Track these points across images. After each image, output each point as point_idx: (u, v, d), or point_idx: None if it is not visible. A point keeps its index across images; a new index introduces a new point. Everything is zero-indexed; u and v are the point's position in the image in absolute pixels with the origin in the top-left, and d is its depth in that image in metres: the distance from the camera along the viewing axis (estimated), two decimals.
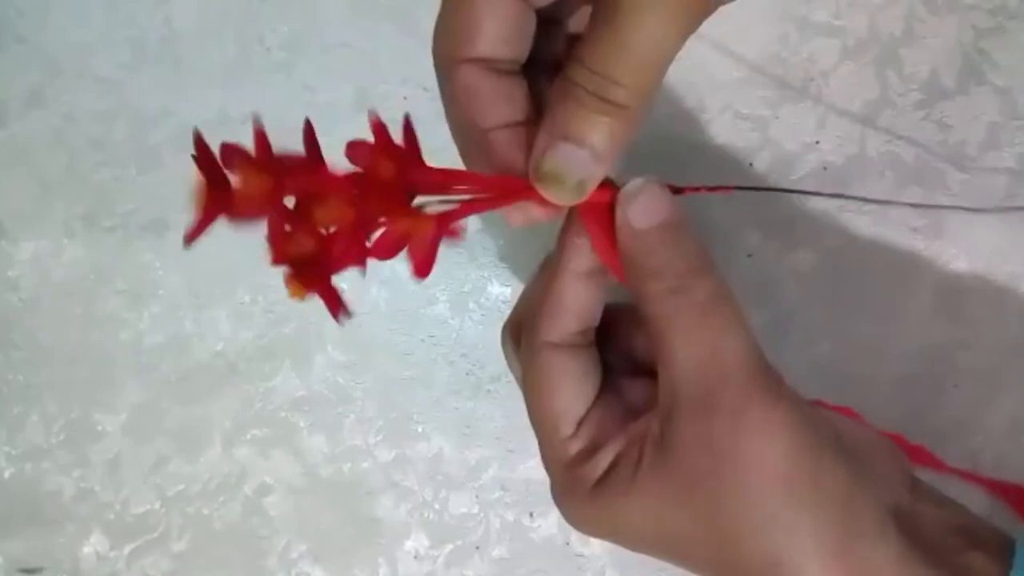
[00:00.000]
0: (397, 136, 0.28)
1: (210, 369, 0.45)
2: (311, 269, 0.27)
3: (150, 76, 0.47)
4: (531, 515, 0.44)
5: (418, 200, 0.29)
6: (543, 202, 0.29)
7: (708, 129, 0.44)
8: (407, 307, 0.45)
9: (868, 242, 0.43)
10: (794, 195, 0.43)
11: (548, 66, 0.32)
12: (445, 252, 0.44)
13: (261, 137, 0.26)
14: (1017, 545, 0.30)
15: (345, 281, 0.28)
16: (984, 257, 0.42)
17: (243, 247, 0.28)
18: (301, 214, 0.27)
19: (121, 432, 0.45)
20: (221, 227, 0.28)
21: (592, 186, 0.29)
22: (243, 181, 0.26)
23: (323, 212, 0.27)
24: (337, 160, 0.28)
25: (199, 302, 0.46)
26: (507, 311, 0.35)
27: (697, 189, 0.32)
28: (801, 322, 0.43)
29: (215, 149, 0.27)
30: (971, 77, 0.43)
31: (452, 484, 0.44)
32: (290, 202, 0.28)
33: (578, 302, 0.32)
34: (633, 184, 0.30)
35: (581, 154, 0.27)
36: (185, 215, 0.46)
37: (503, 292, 0.45)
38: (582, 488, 0.31)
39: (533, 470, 0.44)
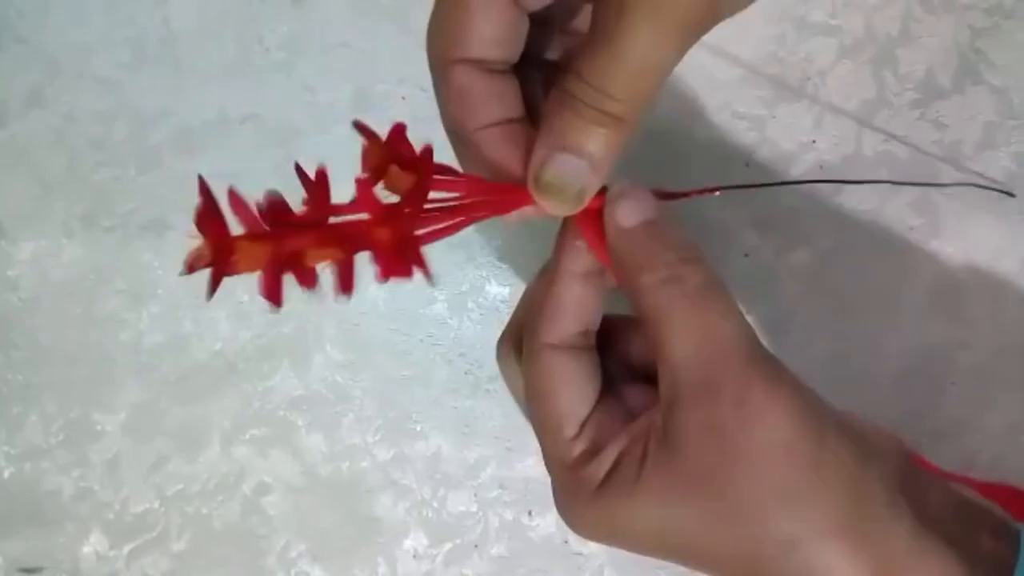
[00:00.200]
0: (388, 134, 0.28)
1: (209, 369, 0.45)
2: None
3: (150, 76, 0.47)
4: (530, 514, 0.44)
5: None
6: (539, 206, 0.30)
7: (705, 128, 0.44)
8: (406, 307, 0.45)
9: (865, 241, 0.43)
10: (791, 195, 0.43)
11: (540, 64, 0.33)
12: (444, 252, 0.44)
13: (241, 208, 0.26)
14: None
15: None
16: (981, 256, 0.42)
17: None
18: (295, 259, 0.27)
19: (120, 432, 0.46)
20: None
21: (590, 195, 0.29)
22: (239, 252, 0.26)
23: (317, 256, 0.27)
24: (337, 160, 0.28)
25: (198, 302, 0.46)
26: (506, 310, 0.35)
27: (687, 194, 0.33)
28: (798, 321, 0.43)
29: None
30: (967, 77, 0.43)
31: (451, 483, 0.44)
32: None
33: (577, 303, 0.32)
34: (618, 186, 0.30)
35: (580, 164, 0.28)
36: (185, 215, 0.46)
37: (501, 292, 0.45)
38: (585, 490, 0.30)
39: (531, 469, 0.44)
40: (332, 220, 0.27)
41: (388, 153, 0.28)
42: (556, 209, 0.29)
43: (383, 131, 0.28)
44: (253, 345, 0.45)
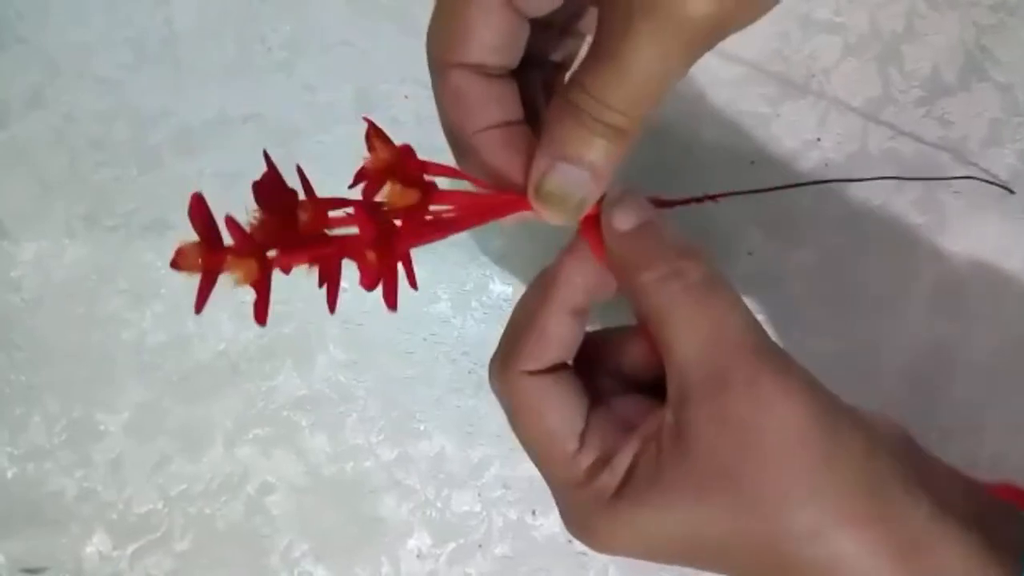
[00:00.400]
0: (394, 134, 0.28)
1: (212, 369, 0.45)
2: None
3: (150, 76, 0.47)
4: (533, 513, 0.44)
5: None
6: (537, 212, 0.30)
7: (709, 126, 0.44)
8: (408, 306, 0.45)
9: (869, 239, 0.43)
10: (795, 193, 0.43)
11: (542, 66, 0.32)
12: (447, 251, 0.44)
13: (238, 234, 0.26)
14: None
15: (347, 280, 0.28)
16: (985, 254, 0.42)
17: None
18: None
19: (123, 432, 0.46)
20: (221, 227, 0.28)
21: (590, 205, 0.29)
22: (230, 266, 0.26)
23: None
24: (338, 160, 0.27)
25: None
26: (509, 309, 0.35)
27: (684, 201, 0.33)
28: (802, 319, 0.43)
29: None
30: (972, 73, 0.43)
31: (454, 483, 0.44)
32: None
33: (562, 338, 0.31)
34: (613, 191, 0.30)
35: (581, 175, 0.28)
36: (186, 217, 0.46)
37: (505, 290, 0.45)
38: (600, 502, 0.30)
39: (535, 468, 0.44)
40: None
41: (393, 159, 0.27)
42: (556, 219, 0.29)
43: (386, 131, 0.28)
44: (256, 345, 0.45)
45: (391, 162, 0.27)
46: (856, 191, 0.43)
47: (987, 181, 0.42)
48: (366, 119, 0.27)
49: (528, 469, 0.44)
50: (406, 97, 0.45)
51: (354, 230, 0.27)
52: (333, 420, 0.45)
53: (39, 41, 0.48)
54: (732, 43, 0.44)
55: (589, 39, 0.28)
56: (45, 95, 0.47)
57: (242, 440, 0.45)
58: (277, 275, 0.27)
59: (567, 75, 0.29)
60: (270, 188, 0.27)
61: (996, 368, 0.42)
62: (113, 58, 0.47)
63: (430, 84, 0.31)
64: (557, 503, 0.32)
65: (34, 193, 0.47)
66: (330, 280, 0.27)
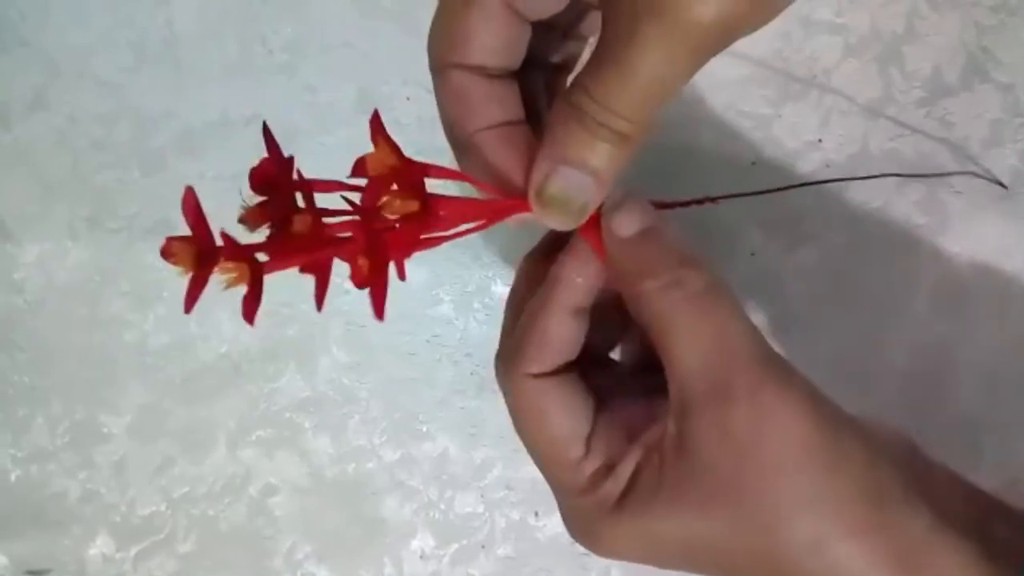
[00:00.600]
0: (395, 136, 0.28)
1: (215, 371, 0.45)
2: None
3: (151, 78, 0.47)
4: (536, 514, 0.44)
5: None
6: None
7: (710, 127, 0.44)
8: (411, 308, 0.45)
9: (871, 239, 0.43)
10: (797, 194, 0.43)
11: (544, 67, 0.32)
12: (449, 252, 0.44)
13: (229, 241, 0.26)
14: None
15: (349, 282, 0.28)
16: (987, 255, 0.42)
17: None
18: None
19: (126, 434, 0.46)
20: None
21: (592, 209, 0.29)
22: (223, 270, 0.26)
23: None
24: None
25: (203, 304, 0.45)
26: None
27: (685, 203, 0.33)
28: (804, 320, 0.43)
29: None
30: (974, 74, 0.43)
31: (457, 484, 0.44)
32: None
33: (565, 339, 0.31)
34: (614, 196, 0.30)
35: (583, 179, 0.28)
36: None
37: (507, 292, 0.45)
38: (604, 509, 0.30)
39: (537, 470, 0.44)
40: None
41: (394, 161, 0.27)
42: (557, 223, 0.29)
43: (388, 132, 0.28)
44: (259, 347, 0.45)
45: (392, 167, 0.27)
46: (857, 192, 0.43)
47: (983, 177, 0.42)
48: (374, 114, 0.27)
49: (531, 471, 0.44)
50: (408, 99, 0.45)
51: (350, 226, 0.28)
52: (336, 422, 0.45)
53: (40, 43, 0.48)
54: (733, 44, 0.44)
55: (592, 41, 0.28)
56: (47, 97, 0.47)
57: (245, 442, 0.45)
58: (280, 278, 0.28)
59: (570, 78, 0.29)
60: (269, 172, 0.27)
61: (997, 369, 0.42)
62: (114, 60, 0.47)
63: (431, 86, 0.31)
64: (560, 506, 0.32)
65: (36, 195, 0.47)
66: (319, 279, 0.27)
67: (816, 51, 0.44)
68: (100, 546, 0.45)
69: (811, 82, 0.43)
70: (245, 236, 0.27)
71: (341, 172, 0.28)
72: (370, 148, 0.28)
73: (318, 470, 0.45)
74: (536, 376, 0.31)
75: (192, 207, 0.26)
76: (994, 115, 0.42)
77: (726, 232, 0.43)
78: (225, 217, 0.27)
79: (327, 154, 0.45)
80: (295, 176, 0.27)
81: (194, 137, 0.46)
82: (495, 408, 0.44)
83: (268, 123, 0.28)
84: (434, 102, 0.31)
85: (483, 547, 0.44)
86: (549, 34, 0.31)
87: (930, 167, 0.43)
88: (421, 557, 0.44)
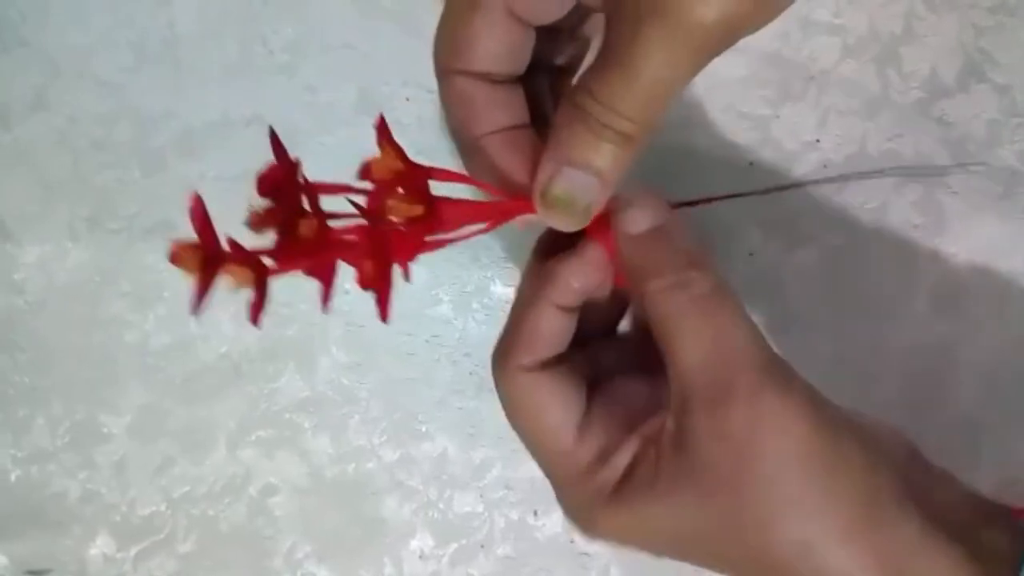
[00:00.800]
0: (396, 136, 0.28)
1: (215, 371, 0.45)
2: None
3: (152, 78, 0.47)
4: (535, 514, 0.44)
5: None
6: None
7: (709, 128, 0.44)
8: (410, 308, 0.45)
9: (869, 240, 0.43)
10: (795, 194, 0.43)
11: (548, 69, 0.32)
12: (448, 253, 0.44)
13: (235, 246, 0.26)
14: None
15: (349, 282, 0.28)
16: (985, 255, 0.42)
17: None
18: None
19: (127, 434, 0.46)
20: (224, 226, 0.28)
21: (596, 210, 0.29)
22: (229, 273, 0.26)
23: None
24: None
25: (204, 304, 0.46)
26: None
27: (695, 202, 0.33)
28: (803, 320, 0.43)
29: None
30: (971, 75, 0.43)
31: (456, 484, 0.44)
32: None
33: (555, 334, 0.32)
34: (627, 192, 0.30)
35: (588, 180, 0.28)
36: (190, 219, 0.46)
37: (506, 292, 0.45)
38: (599, 496, 0.30)
39: (537, 469, 0.44)
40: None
41: (400, 165, 0.28)
42: (561, 224, 0.29)
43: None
44: (258, 347, 0.45)
45: (397, 171, 0.27)
46: (856, 192, 0.43)
47: (978, 169, 0.42)
48: (379, 118, 0.27)
49: (530, 470, 0.45)
50: (408, 99, 0.45)
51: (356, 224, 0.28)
52: (336, 422, 0.45)
53: (41, 43, 0.48)
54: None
55: (595, 42, 0.28)
56: (47, 97, 0.47)
57: (245, 442, 0.45)
58: (280, 278, 0.28)
59: (574, 79, 0.29)
60: (276, 177, 0.27)
61: (997, 369, 0.42)
62: (115, 60, 0.47)
63: (433, 87, 0.31)
64: (556, 493, 0.33)
65: (37, 195, 0.47)
66: (324, 283, 0.27)
67: (814, 52, 0.44)
68: (100, 546, 0.45)
69: (809, 83, 0.44)
70: (248, 236, 0.27)
71: (341, 172, 0.28)
72: (370, 148, 0.28)
73: (318, 470, 0.45)
74: (527, 369, 0.31)
75: (199, 213, 0.26)
76: (991, 116, 0.43)
77: (725, 232, 0.43)
78: (226, 217, 0.27)
79: (327, 154, 0.45)
80: (301, 180, 0.27)
81: (194, 137, 0.46)
82: (494, 408, 0.44)
83: (269, 123, 0.29)
84: (434, 102, 0.31)
85: (482, 547, 0.44)
86: (553, 37, 0.32)
87: (928, 168, 0.43)
88: (421, 557, 0.44)
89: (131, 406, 0.46)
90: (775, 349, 0.33)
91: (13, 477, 0.46)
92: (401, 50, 0.46)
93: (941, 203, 0.42)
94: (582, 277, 0.31)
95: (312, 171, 0.28)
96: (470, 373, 0.45)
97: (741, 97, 0.44)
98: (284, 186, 0.27)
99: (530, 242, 0.45)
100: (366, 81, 0.46)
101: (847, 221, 0.43)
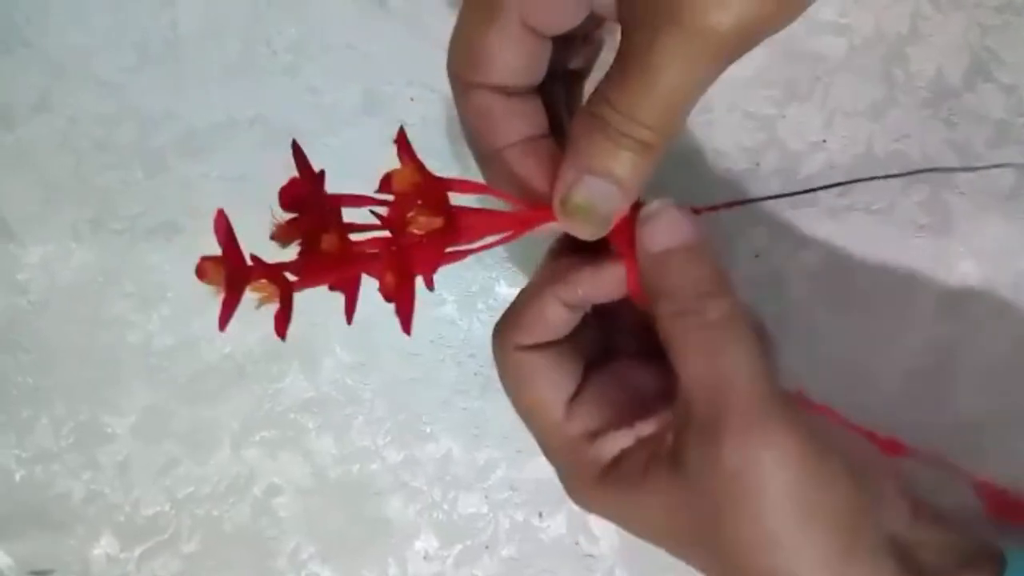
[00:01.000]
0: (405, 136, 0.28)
1: (219, 371, 0.45)
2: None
3: (154, 79, 0.47)
4: (540, 515, 0.44)
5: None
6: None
7: (714, 129, 0.44)
8: (415, 308, 0.45)
9: (875, 240, 0.43)
10: (801, 195, 0.43)
11: (563, 75, 0.32)
12: None
13: (258, 262, 0.26)
14: (1008, 558, 0.31)
15: None
16: (991, 256, 0.42)
17: (250, 249, 0.28)
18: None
19: (130, 434, 0.46)
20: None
21: (617, 218, 0.29)
22: (255, 288, 0.26)
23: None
24: (344, 162, 0.28)
25: (207, 305, 0.46)
26: None
27: (714, 208, 0.33)
28: (808, 321, 0.43)
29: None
30: (978, 75, 0.43)
31: (461, 484, 0.44)
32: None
33: (558, 322, 0.32)
34: (651, 206, 0.30)
35: (609, 188, 0.28)
36: (192, 218, 0.46)
37: (511, 292, 0.45)
38: (591, 472, 0.31)
39: (542, 470, 0.43)
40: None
41: (419, 178, 0.28)
42: (582, 232, 0.29)
43: (392, 133, 0.28)
44: (262, 348, 0.45)
45: (417, 183, 0.28)
46: (862, 193, 0.43)
47: (980, 167, 0.42)
48: (400, 132, 0.28)
49: (535, 471, 0.45)
50: (412, 99, 0.45)
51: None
52: (340, 422, 0.45)
53: (43, 44, 0.48)
54: None
55: (610, 45, 0.28)
56: (50, 98, 0.47)
57: (249, 442, 0.45)
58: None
59: (591, 86, 0.29)
60: (299, 191, 0.27)
61: (1002, 370, 0.42)
62: (117, 61, 0.47)
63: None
64: (547, 459, 0.34)
65: (40, 196, 0.47)
66: (348, 295, 0.27)
67: (820, 52, 0.44)
68: (104, 546, 0.45)
69: (815, 83, 0.43)
70: (252, 242, 0.27)
71: (346, 174, 0.28)
72: (373, 148, 0.28)
73: (322, 471, 0.45)
74: (523, 348, 0.32)
75: (223, 229, 0.26)
76: (998, 115, 0.42)
77: (731, 233, 0.43)
78: (229, 218, 0.27)
79: (331, 155, 0.45)
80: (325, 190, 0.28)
81: (197, 138, 0.46)
82: (499, 409, 0.44)
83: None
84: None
85: (487, 548, 0.44)
86: (567, 44, 0.31)
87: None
88: (425, 558, 0.44)
89: (135, 406, 0.46)
90: (779, 349, 0.33)
91: (17, 477, 0.46)
92: (405, 50, 0.46)
93: (948, 203, 0.42)
94: (592, 289, 0.31)
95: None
96: (475, 374, 0.45)
97: (747, 97, 0.44)
98: (309, 199, 0.27)
99: (536, 243, 0.45)
100: (370, 81, 0.46)
101: (853, 222, 0.43)
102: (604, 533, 0.43)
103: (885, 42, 0.43)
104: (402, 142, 0.28)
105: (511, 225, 0.30)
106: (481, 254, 0.44)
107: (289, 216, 0.28)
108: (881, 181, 0.42)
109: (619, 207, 0.29)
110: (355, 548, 0.44)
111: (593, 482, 0.31)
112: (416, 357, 0.45)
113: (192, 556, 0.45)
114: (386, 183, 0.28)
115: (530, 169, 0.30)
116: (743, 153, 0.43)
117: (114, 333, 0.46)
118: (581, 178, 0.28)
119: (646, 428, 0.31)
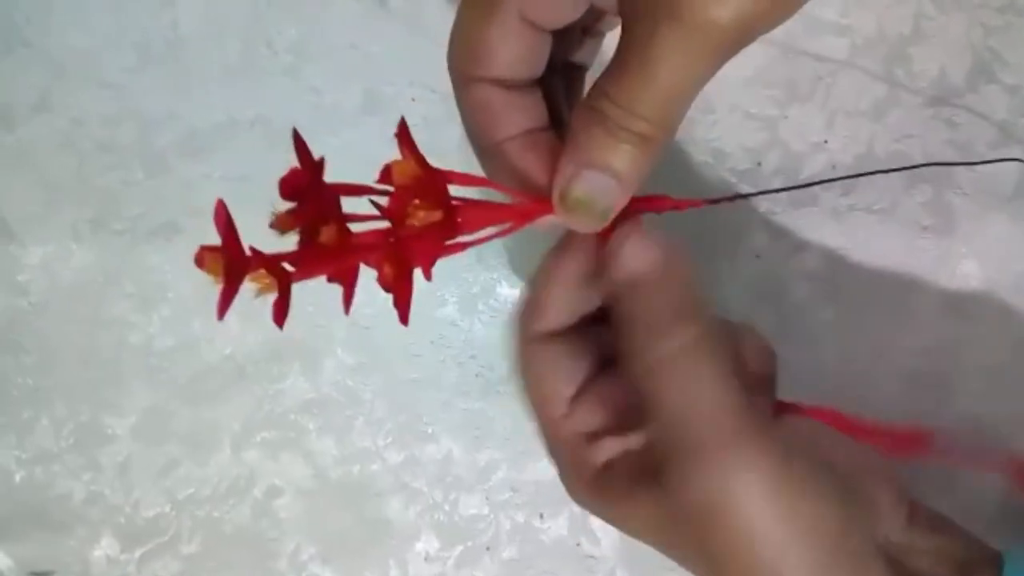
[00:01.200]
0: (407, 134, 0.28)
1: (219, 372, 0.45)
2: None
3: (155, 79, 0.47)
4: (541, 516, 0.44)
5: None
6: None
7: (716, 129, 0.44)
8: (416, 309, 0.44)
9: (877, 241, 0.42)
10: (802, 195, 0.43)
11: (562, 70, 0.32)
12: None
13: (257, 253, 0.26)
14: (1005, 562, 0.31)
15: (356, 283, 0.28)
16: (994, 255, 0.42)
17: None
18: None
19: (131, 435, 0.46)
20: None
21: (616, 212, 0.29)
22: (254, 278, 0.26)
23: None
24: (345, 162, 0.27)
25: (208, 305, 0.45)
26: None
27: (716, 200, 0.33)
28: (809, 322, 0.43)
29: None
30: (980, 75, 0.43)
31: (462, 486, 0.44)
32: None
33: (570, 307, 0.32)
34: (619, 231, 0.30)
35: (608, 182, 0.28)
36: (194, 219, 0.46)
37: (512, 293, 0.45)
38: (587, 471, 0.31)
39: (543, 471, 0.44)
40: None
41: (419, 170, 0.28)
42: (581, 226, 0.29)
43: (392, 134, 0.28)
44: (263, 348, 0.45)
45: (417, 176, 0.27)
46: (864, 193, 0.43)
47: (982, 163, 0.41)
48: (401, 123, 0.27)
49: (535, 472, 0.45)
50: (413, 100, 0.45)
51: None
52: (340, 423, 0.45)
53: (44, 45, 0.48)
54: None
55: (610, 38, 0.28)
56: (51, 99, 0.47)
57: (249, 443, 0.45)
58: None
59: (591, 80, 0.29)
60: (299, 181, 0.27)
61: (1004, 371, 0.41)
62: (118, 61, 0.47)
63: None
64: (551, 455, 0.34)
65: (41, 197, 0.47)
66: (346, 285, 0.27)
67: (822, 52, 0.44)
68: (104, 548, 0.45)
69: (817, 83, 0.43)
70: (253, 237, 0.27)
71: (347, 174, 0.28)
72: (375, 149, 0.28)
73: (322, 472, 0.45)
74: (535, 336, 0.32)
75: (223, 219, 0.26)
76: (1000, 116, 0.42)
77: (731, 234, 0.43)
78: (232, 218, 0.27)
79: (332, 155, 0.45)
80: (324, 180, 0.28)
81: (198, 138, 0.46)
82: (500, 410, 0.44)
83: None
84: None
85: (488, 549, 0.44)
86: (567, 37, 0.31)
87: (937, 168, 0.42)
88: (426, 559, 0.44)
89: (135, 407, 0.46)
90: (779, 351, 0.33)
91: (17, 478, 0.46)
92: (406, 50, 0.46)
93: (950, 204, 0.42)
94: (588, 282, 0.31)
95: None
96: (476, 375, 0.45)
97: (748, 97, 0.44)
98: (309, 188, 0.27)
99: (537, 243, 0.45)
100: (371, 82, 0.46)
101: (855, 222, 0.43)
102: (606, 534, 0.43)
103: (887, 42, 0.43)
104: (403, 134, 0.27)
105: (511, 218, 0.30)
106: (483, 255, 0.45)
107: (289, 205, 0.27)
108: (883, 182, 0.42)
109: (618, 201, 0.28)
110: (356, 549, 0.44)
111: (587, 483, 0.31)
112: (417, 358, 0.45)
113: (192, 557, 0.45)
114: (386, 175, 0.28)
115: (530, 162, 0.30)
116: (745, 153, 0.43)
117: (114, 334, 0.46)
118: (580, 172, 0.28)
119: (636, 441, 0.31)
